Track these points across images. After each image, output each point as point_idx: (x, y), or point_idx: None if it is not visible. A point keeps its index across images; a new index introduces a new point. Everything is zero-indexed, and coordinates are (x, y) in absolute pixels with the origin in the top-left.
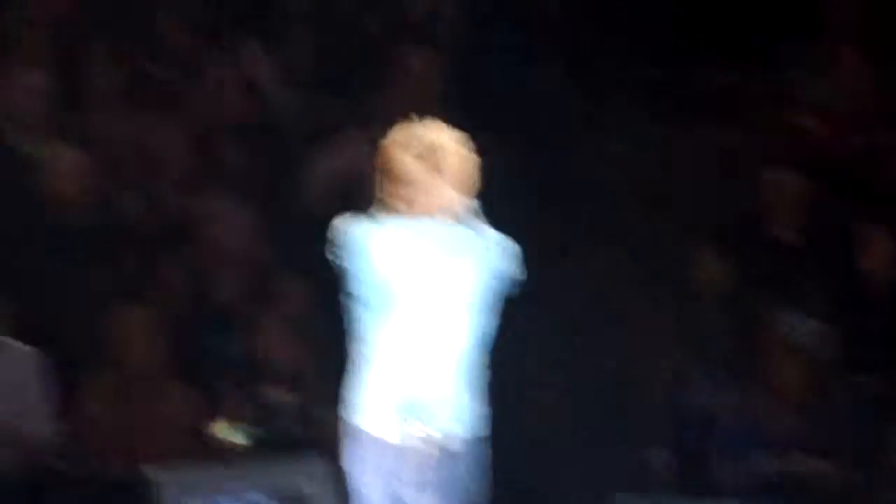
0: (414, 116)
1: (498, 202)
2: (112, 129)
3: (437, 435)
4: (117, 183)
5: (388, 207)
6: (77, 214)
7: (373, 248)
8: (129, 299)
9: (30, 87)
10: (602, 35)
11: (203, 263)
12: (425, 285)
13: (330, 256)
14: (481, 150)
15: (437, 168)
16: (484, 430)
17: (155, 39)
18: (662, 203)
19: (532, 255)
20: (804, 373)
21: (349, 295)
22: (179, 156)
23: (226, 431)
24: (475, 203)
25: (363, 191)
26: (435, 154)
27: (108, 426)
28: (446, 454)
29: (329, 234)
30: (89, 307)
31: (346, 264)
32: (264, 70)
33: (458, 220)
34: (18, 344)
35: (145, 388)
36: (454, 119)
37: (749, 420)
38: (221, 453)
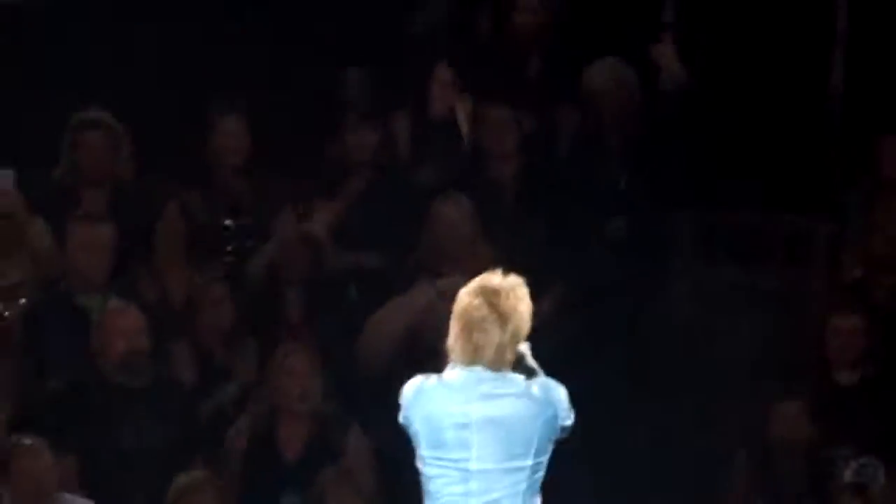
0: (476, 267)
1: (558, 352)
2: (171, 283)
3: None
4: (173, 338)
5: (455, 354)
6: (135, 371)
7: (431, 407)
8: (190, 456)
9: (90, 242)
10: (658, 180)
11: (264, 418)
12: (481, 438)
13: (400, 420)
14: (537, 296)
15: (497, 313)
16: None
17: (214, 192)
18: (730, 350)
19: (594, 402)
20: None
21: (417, 454)
22: (237, 309)
23: None
24: (528, 347)
25: (426, 344)
26: (494, 299)
27: None
28: None
29: (399, 399)
30: (151, 465)
31: (410, 426)
32: (320, 224)
33: (513, 365)
34: (78, 499)
35: None
36: (522, 267)
37: None
38: None
